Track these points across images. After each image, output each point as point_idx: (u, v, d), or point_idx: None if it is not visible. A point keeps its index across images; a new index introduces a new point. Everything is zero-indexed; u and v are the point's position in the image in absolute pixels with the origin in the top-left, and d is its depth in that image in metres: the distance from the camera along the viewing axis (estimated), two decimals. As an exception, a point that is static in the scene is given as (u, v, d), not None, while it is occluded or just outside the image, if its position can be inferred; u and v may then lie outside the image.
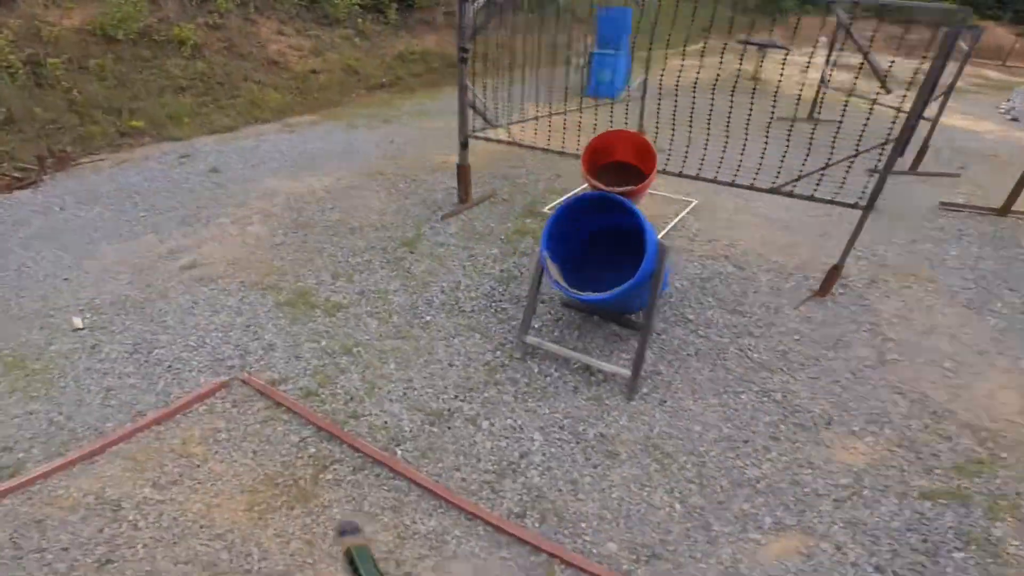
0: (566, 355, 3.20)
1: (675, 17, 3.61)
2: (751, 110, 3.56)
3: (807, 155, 3.60)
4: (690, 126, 3.92)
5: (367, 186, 5.56)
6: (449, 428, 2.76)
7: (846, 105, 3.39)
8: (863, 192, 3.42)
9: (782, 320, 3.59)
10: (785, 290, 3.92)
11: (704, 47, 4.40)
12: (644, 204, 5.25)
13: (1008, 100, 10.57)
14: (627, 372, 3.03)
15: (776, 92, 3.65)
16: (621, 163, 3.65)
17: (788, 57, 3.57)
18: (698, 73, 3.84)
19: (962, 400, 2.96)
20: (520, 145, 4.77)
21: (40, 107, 6.23)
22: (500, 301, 3.79)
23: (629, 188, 3.27)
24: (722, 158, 3.81)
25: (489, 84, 5.00)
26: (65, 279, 3.86)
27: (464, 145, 4.85)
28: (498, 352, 3.31)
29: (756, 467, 2.57)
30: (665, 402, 2.97)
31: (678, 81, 3.99)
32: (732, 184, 3.75)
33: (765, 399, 2.97)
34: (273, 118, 7.90)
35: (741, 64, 3.78)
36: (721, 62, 3.71)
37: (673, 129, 3.91)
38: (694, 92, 3.69)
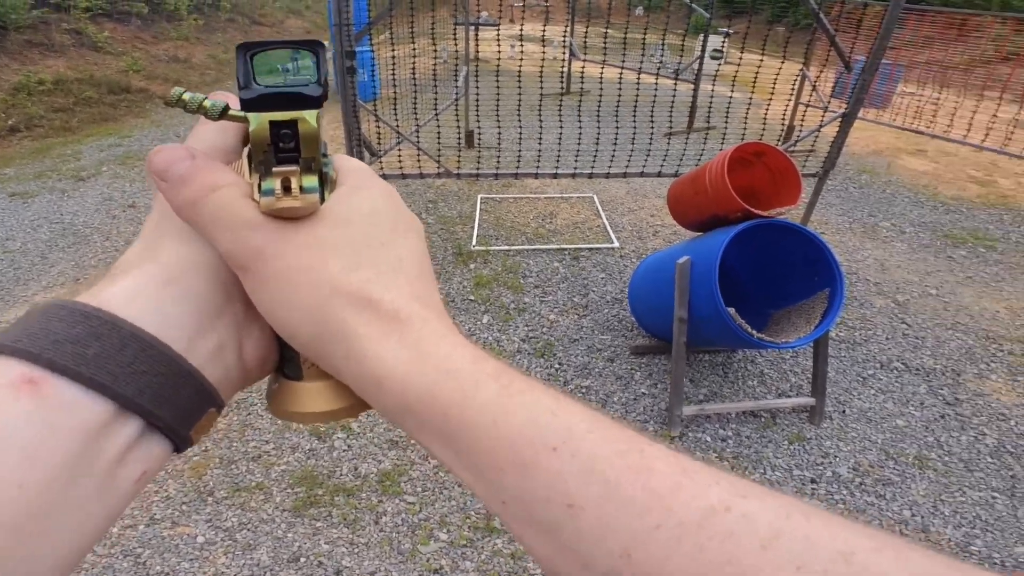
0: (732, 409, 2.63)
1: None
2: (520, 93, 3.25)
3: (616, 132, 3.61)
4: (507, 117, 3.60)
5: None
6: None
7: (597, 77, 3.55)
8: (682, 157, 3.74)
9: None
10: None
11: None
12: (549, 209, 4.76)
13: (654, 54, 9.88)
14: (809, 399, 2.64)
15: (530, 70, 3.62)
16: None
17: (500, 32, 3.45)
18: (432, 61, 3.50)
19: (953, 306, 3.53)
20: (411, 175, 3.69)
21: None
22: (581, 377, 2.88)
23: (787, 208, 2.42)
24: (558, 147, 3.55)
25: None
26: None
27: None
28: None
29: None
30: (844, 411, 2.71)
31: (482, 63, 3.60)
32: (624, 175, 3.51)
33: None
34: None
35: (461, 46, 3.47)
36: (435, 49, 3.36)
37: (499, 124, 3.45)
38: (477, 79, 3.32)
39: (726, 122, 3.96)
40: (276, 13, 16.11)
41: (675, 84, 3.85)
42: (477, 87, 3.32)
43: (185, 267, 0.27)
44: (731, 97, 4.13)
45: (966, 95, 7.89)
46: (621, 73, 3.65)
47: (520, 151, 3.65)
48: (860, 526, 0.21)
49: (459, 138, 5.22)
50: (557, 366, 2.98)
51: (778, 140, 6.54)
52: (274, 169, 0.28)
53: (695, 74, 6.96)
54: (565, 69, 7.67)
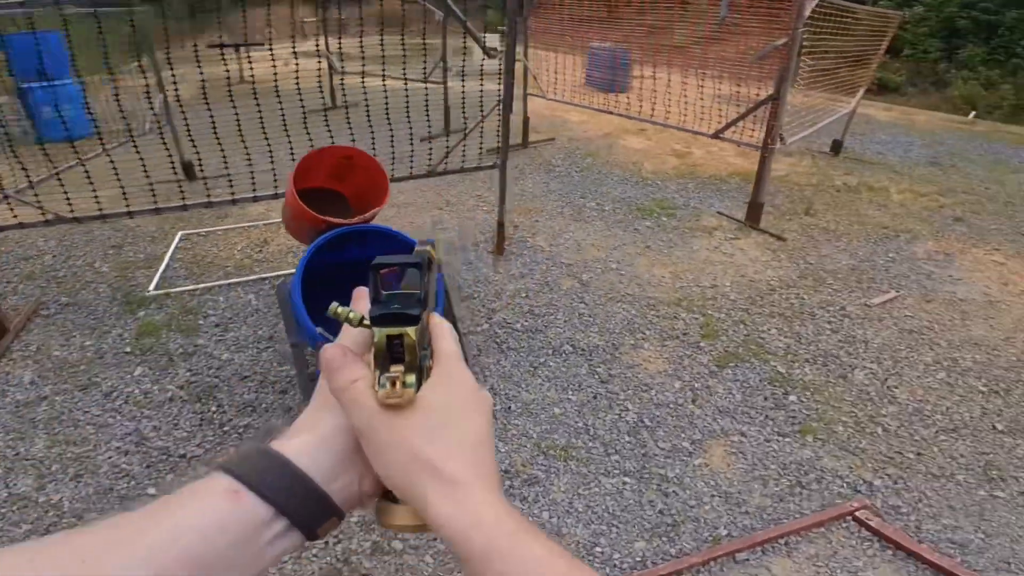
0: None
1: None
2: (282, 111, 3.11)
3: (372, 141, 3.40)
4: (253, 140, 3.40)
5: None
6: None
7: (361, 86, 3.62)
8: (463, 159, 3.85)
9: (492, 282, 3.79)
10: (478, 257, 4.11)
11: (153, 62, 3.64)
12: (265, 236, 4.38)
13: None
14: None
15: (292, 88, 3.54)
16: (317, 190, 2.83)
17: (273, 52, 3.25)
18: (176, 89, 3.24)
19: (628, 277, 3.89)
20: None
21: None
22: (242, 416, 2.58)
23: (373, 211, 2.53)
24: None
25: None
26: None
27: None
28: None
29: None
30: (509, 408, 2.78)
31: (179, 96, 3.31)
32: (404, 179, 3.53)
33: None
34: None
35: (225, 68, 3.31)
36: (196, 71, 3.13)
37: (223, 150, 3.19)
38: (208, 106, 3.03)
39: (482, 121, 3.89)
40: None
41: (426, 87, 3.80)
42: (210, 114, 2.95)
43: (335, 432, 0.42)
44: (482, 92, 3.80)
45: (686, 75, 8.95)
46: (384, 81, 3.44)
47: (253, 174, 3.32)
48: None
49: (174, 170, 4.62)
50: (215, 408, 2.67)
51: (521, 138, 6.86)
52: (386, 375, 0.40)
53: (461, 74, 6.96)
54: (326, 83, 7.20)
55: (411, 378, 0.40)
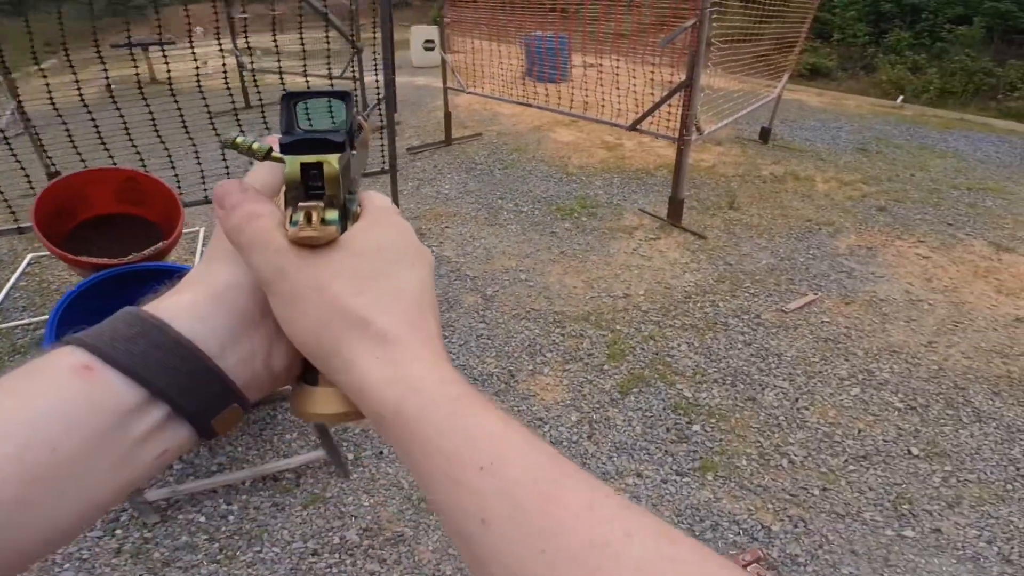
0: (224, 482, 2.20)
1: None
2: (181, 114, 2.95)
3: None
4: (147, 147, 2.96)
5: None
6: None
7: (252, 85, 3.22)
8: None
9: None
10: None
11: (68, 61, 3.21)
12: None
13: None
14: (319, 452, 2.31)
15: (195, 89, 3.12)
16: (104, 216, 2.43)
17: (186, 50, 3.05)
18: (79, 90, 2.83)
19: (537, 288, 3.60)
20: None
21: None
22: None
23: (158, 247, 2.19)
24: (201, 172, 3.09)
25: None
26: None
27: None
28: (110, 541, 1.96)
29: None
30: (382, 452, 2.44)
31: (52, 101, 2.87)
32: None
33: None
34: None
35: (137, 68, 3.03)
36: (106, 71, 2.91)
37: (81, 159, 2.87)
38: (88, 110, 2.79)
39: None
40: None
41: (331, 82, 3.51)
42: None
43: (230, 286, 0.32)
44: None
45: (630, 62, 8.66)
46: (307, 79, 3.35)
47: None
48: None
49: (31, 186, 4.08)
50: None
51: (444, 136, 6.47)
52: (300, 204, 0.32)
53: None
54: (241, 83, 6.63)
55: (332, 214, 0.32)
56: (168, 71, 2.94)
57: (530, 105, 5.19)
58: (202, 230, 4.13)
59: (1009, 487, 2.32)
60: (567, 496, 0.26)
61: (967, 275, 3.86)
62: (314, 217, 0.31)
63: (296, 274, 0.31)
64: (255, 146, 0.33)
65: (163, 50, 3.13)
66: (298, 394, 0.35)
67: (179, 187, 3.02)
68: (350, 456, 2.41)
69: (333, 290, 0.31)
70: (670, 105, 4.22)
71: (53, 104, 2.80)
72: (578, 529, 0.24)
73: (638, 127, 4.44)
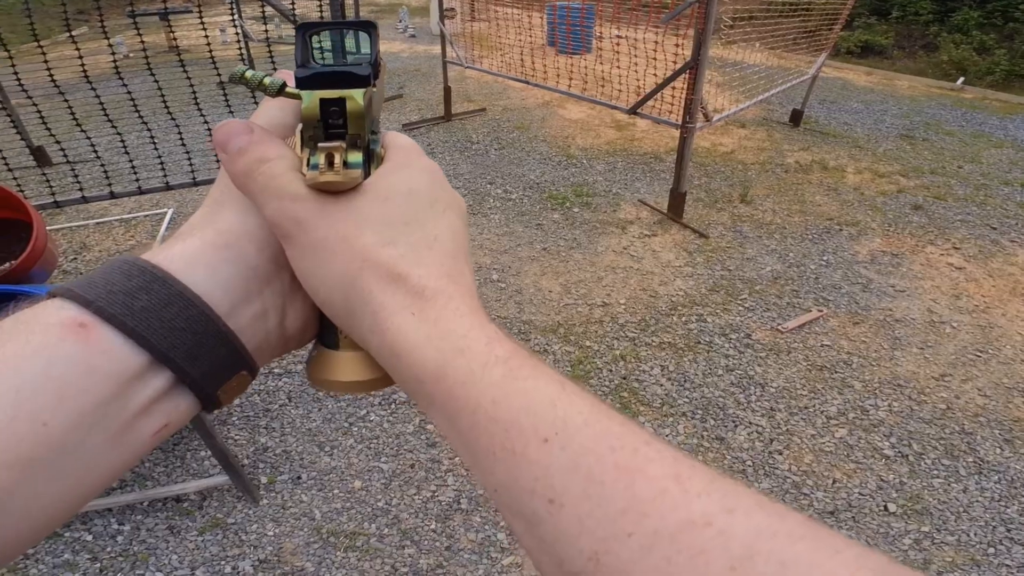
0: (117, 503, 2.06)
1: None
2: (191, 84, 2.73)
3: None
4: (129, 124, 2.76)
5: None
6: None
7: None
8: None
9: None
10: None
11: (72, 35, 3.06)
12: (85, 239, 3.78)
13: (400, 20, 10.67)
14: (223, 478, 2.12)
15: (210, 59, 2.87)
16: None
17: (204, 19, 2.82)
18: (82, 64, 2.62)
19: (508, 292, 3.31)
20: None
21: None
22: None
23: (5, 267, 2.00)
24: (185, 151, 2.88)
25: None
26: None
27: None
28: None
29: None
30: (300, 478, 2.25)
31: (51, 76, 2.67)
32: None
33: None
34: None
35: (142, 39, 2.78)
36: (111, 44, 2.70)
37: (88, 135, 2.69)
38: (92, 85, 2.59)
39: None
40: None
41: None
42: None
43: (239, 235, 0.28)
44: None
45: (659, 34, 8.06)
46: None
47: (134, 161, 2.94)
48: (871, 556, 0.19)
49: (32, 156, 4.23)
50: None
51: (443, 111, 6.13)
52: (320, 145, 0.28)
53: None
54: (246, 54, 6.43)
55: (356, 156, 0.29)
56: (175, 39, 2.74)
57: (527, 83, 4.79)
58: (170, 212, 3.98)
59: (990, 551, 1.97)
60: (650, 467, 0.22)
61: (1003, 292, 3.37)
62: (336, 159, 0.28)
63: (318, 224, 0.27)
64: (266, 80, 0.29)
65: (168, 22, 2.96)
66: (317, 359, 0.32)
67: (163, 168, 2.94)
68: (263, 480, 2.24)
69: (361, 241, 0.28)
70: (673, 88, 3.78)
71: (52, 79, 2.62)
72: (668, 506, 0.21)
73: (638, 111, 4.02)
